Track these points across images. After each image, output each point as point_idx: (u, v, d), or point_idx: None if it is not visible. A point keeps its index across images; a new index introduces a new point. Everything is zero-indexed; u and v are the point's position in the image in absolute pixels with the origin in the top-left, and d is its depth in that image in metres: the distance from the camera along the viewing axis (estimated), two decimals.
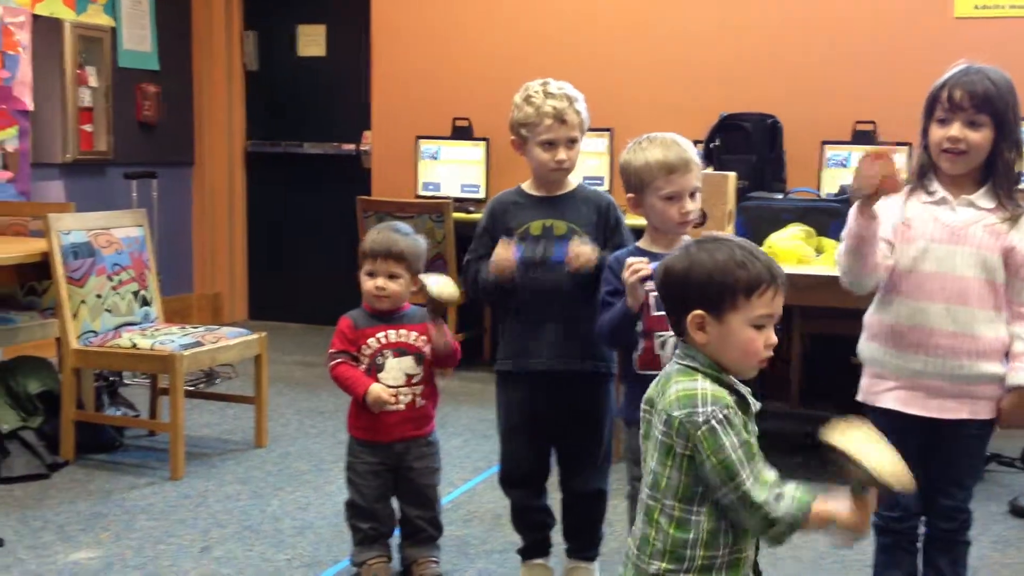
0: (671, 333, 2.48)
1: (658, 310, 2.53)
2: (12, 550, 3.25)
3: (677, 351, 1.87)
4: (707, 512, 1.79)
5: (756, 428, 1.85)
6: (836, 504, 1.76)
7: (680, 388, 1.79)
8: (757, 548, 1.93)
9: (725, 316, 1.79)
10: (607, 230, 2.88)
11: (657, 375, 2.50)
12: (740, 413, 1.78)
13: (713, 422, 1.74)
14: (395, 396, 2.99)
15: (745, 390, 1.86)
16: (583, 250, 2.76)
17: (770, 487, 1.75)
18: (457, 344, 3.03)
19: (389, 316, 3.03)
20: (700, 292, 1.80)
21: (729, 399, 1.77)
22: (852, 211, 2.43)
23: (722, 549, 1.80)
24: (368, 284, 3.01)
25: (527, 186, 2.96)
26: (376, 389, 2.95)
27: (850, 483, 1.75)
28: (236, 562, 3.21)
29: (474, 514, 3.64)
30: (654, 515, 1.82)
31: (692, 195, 2.56)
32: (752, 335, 1.79)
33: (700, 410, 1.75)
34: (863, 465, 1.71)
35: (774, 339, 1.82)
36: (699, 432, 1.74)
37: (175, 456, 3.95)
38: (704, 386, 1.78)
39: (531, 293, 2.84)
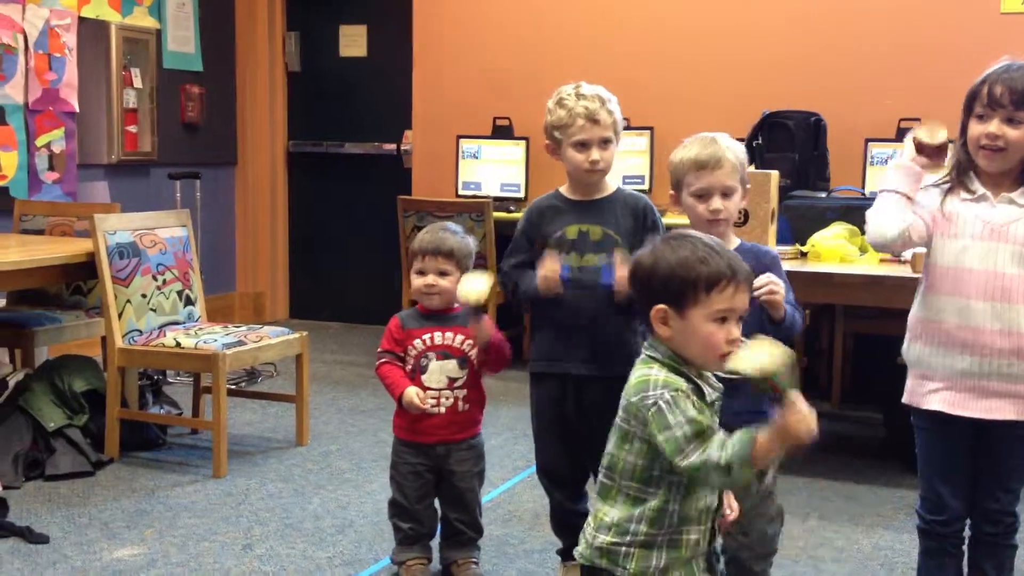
0: None
1: None
2: (58, 547, 3.29)
3: (644, 343, 1.94)
4: (661, 493, 1.88)
5: (716, 420, 1.90)
6: (780, 422, 1.80)
7: (637, 376, 1.89)
8: (713, 535, 1.99)
9: (686, 310, 1.86)
10: (644, 232, 2.86)
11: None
12: (695, 398, 1.85)
13: (661, 403, 1.83)
14: (436, 400, 2.99)
15: (715, 385, 1.93)
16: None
17: (718, 444, 1.80)
18: (504, 342, 2.98)
19: (438, 317, 3.02)
20: (663, 287, 1.88)
21: (682, 384, 1.85)
22: (893, 165, 2.46)
23: (664, 528, 1.89)
24: (418, 282, 3.01)
25: (564, 190, 2.95)
26: (410, 393, 2.95)
27: (761, 396, 1.82)
28: (278, 559, 3.23)
29: (513, 514, 3.64)
30: (611, 493, 1.93)
31: (725, 194, 2.53)
32: (712, 329, 1.86)
33: (651, 393, 1.85)
34: (743, 369, 1.79)
35: (736, 334, 1.87)
36: (649, 413, 1.83)
37: (218, 454, 3.99)
38: (657, 373, 1.87)
39: (569, 307, 2.84)
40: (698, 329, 1.85)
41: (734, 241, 2.60)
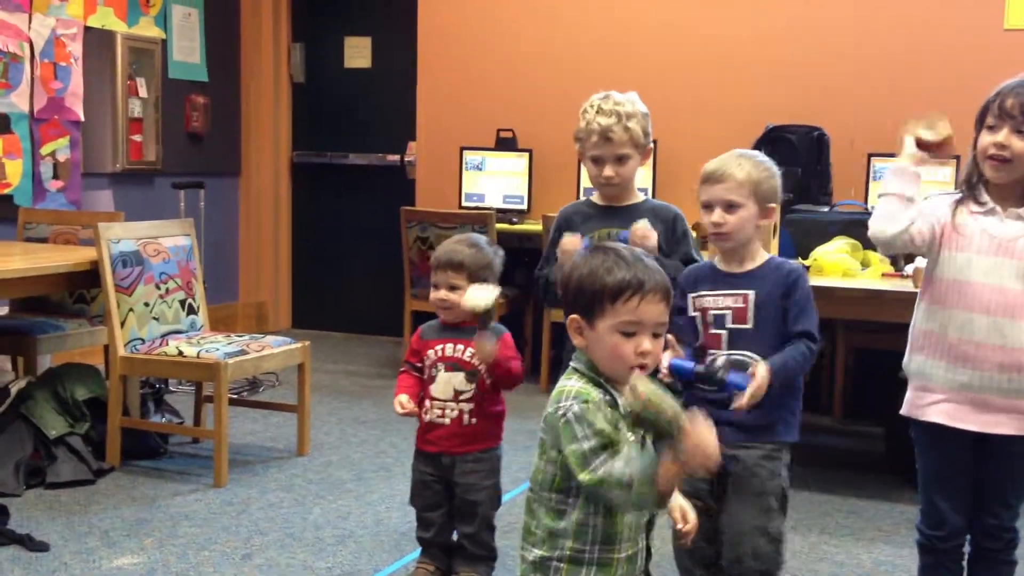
0: (724, 351, 2.50)
1: (715, 328, 2.55)
2: (58, 555, 3.29)
3: (572, 356, 1.94)
4: (580, 504, 1.86)
5: (639, 432, 1.87)
6: (684, 449, 1.77)
7: (558, 386, 1.89)
8: (648, 556, 1.97)
9: (595, 321, 1.86)
10: (673, 241, 2.88)
11: (708, 391, 2.53)
12: (608, 410, 1.83)
13: (569, 415, 1.82)
14: (441, 411, 2.99)
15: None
16: (643, 224, 2.75)
17: (624, 458, 1.78)
18: (511, 363, 2.94)
19: (455, 329, 3.01)
20: (575, 296, 1.89)
21: (594, 395, 1.84)
22: (891, 169, 2.49)
23: (590, 544, 1.87)
24: (432, 296, 3.02)
25: (595, 196, 2.99)
26: (396, 400, 2.99)
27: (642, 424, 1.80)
28: (277, 569, 3.23)
29: (514, 525, 3.63)
30: (532, 505, 1.93)
31: (728, 208, 2.53)
32: (617, 341, 1.84)
33: (562, 404, 1.84)
34: (633, 402, 1.76)
35: (646, 347, 1.85)
36: (559, 424, 1.83)
37: (219, 463, 3.99)
38: (573, 384, 1.86)
39: None
40: (604, 340, 1.85)
41: (761, 256, 2.59)
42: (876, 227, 2.49)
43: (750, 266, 2.57)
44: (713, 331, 2.55)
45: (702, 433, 1.73)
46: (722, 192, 2.53)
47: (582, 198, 3.06)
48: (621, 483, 1.76)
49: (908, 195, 2.45)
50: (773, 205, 2.56)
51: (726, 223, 2.53)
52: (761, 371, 2.41)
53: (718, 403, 2.43)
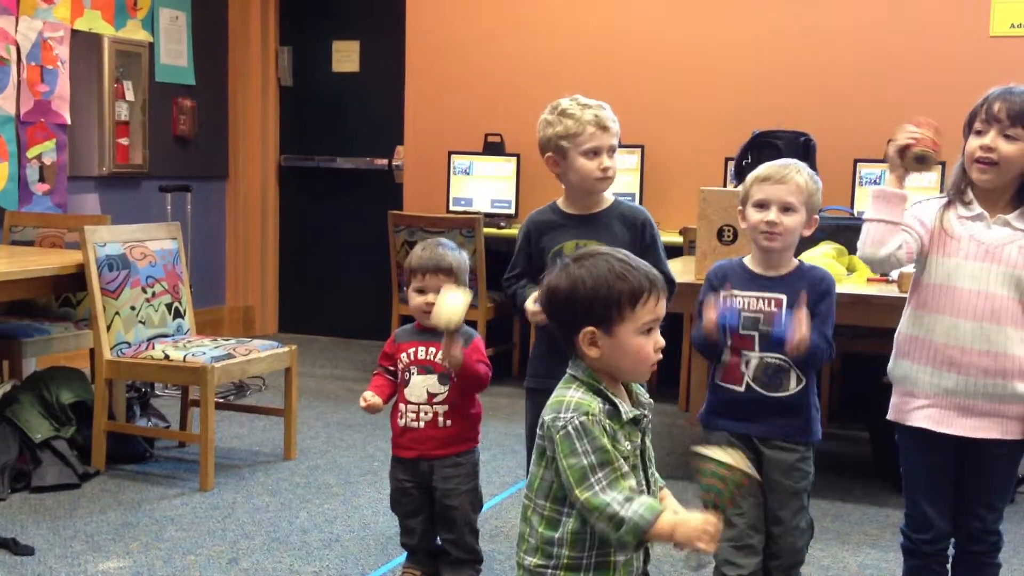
0: (757, 352, 2.55)
1: (746, 329, 2.61)
2: (43, 559, 3.28)
3: (569, 363, 1.92)
4: (576, 514, 1.86)
5: (637, 437, 1.89)
6: (686, 517, 1.82)
7: (555, 395, 1.88)
8: (647, 558, 1.97)
9: (614, 328, 1.84)
10: (642, 248, 2.84)
11: (736, 389, 2.57)
12: (608, 421, 1.83)
13: (569, 428, 1.81)
14: (416, 415, 2.99)
15: (645, 400, 1.94)
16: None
17: (623, 491, 1.79)
18: (476, 368, 2.94)
19: (428, 332, 3.00)
20: (587, 309, 1.85)
21: (595, 407, 1.83)
22: (874, 192, 2.49)
23: (587, 551, 1.87)
24: (418, 300, 3.00)
25: (562, 203, 2.94)
26: (361, 396, 3.00)
27: (706, 494, 1.84)
28: (263, 574, 3.22)
29: (500, 529, 3.64)
30: (527, 513, 1.92)
31: (785, 210, 2.59)
32: (642, 342, 1.86)
33: (562, 415, 1.83)
34: (713, 456, 1.82)
35: (662, 341, 1.89)
36: (557, 436, 1.82)
37: (205, 467, 3.98)
38: (573, 394, 1.86)
39: None
40: (628, 344, 1.84)
41: (792, 262, 2.65)
42: (865, 252, 2.50)
43: (783, 271, 2.64)
44: (744, 332, 2.61)
45: (711, 527, 1.78)
46: (783, 193, 2.58)
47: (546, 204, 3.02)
48: (612, 519, 1.78)
49: (894, 220, 2.45)
50: (816, 217, 2.65)
51: (781, 223, 2.58)
52: (804, 326, 2.51)
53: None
